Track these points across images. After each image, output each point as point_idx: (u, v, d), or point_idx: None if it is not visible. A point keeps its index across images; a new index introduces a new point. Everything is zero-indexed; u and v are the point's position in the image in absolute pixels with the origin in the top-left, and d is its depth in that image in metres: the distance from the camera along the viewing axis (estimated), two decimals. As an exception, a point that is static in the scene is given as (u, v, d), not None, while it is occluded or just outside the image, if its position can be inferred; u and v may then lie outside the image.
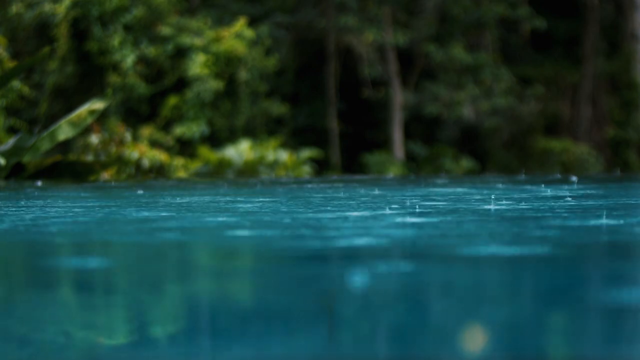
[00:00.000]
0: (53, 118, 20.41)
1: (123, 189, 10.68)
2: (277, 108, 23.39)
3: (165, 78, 22.40)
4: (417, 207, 6.03)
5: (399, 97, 25.05)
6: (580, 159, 25.23)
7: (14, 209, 6.63)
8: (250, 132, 22.58)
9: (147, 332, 2.26)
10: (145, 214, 5.98)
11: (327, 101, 25.26)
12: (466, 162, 24.75)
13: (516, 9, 25.78)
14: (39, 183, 12.29)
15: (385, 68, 25.23)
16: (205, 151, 20.74)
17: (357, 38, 24.88)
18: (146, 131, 21.39)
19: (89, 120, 12.47)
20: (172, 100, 21.96)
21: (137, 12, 22.21)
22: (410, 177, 16.72)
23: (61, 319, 2.44)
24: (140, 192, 9.59)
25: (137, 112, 22.29)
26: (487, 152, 25.80)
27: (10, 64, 17.35)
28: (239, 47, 22.18)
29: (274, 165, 20.57)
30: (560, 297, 2.58)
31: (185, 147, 21.76)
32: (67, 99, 22.11)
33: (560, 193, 8.10)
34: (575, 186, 9.74)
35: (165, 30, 22.32)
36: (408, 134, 25.35)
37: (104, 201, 7.88)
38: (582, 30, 27.25)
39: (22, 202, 7.56)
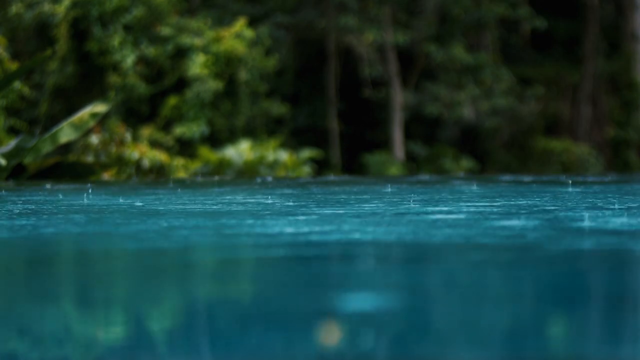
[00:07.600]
0: (53, 118, 20.40)
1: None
2: (277, 108, 23.36)
3: (165, 78, 22.37)
4: None
5: (399, 97, 25.02)
6: (581, 159, 25.21)
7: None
8: (250, 132, 22.56)
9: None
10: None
11: (327, 101, 25.24)
12: (466, 162, 24.74)
13: (516, 9, 25.75)
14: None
15: (386, 68, 25.20)
16: (205, 151, 20.71)
17: (358, 38, 24.85)
18: (146, 131, 21.36)
19: (91, 123, 12.44)
20: (172, 100, 21.93)
21: (137, 12, 22.18)
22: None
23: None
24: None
25: (137, 112, 22.26)
26: (487, 152, 25.78)
27: (10, 65, 17.32)
28: (239, 48, 22.15)
29: (274, 165, 20.54)
30: None
31: (185, 147, 21.73)
32: (68, 99, 22.09)
33: None
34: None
35: (165, 30, 22.29)
36: (408, 134, 25.32)
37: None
38: (582, 30, 27.23)
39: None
